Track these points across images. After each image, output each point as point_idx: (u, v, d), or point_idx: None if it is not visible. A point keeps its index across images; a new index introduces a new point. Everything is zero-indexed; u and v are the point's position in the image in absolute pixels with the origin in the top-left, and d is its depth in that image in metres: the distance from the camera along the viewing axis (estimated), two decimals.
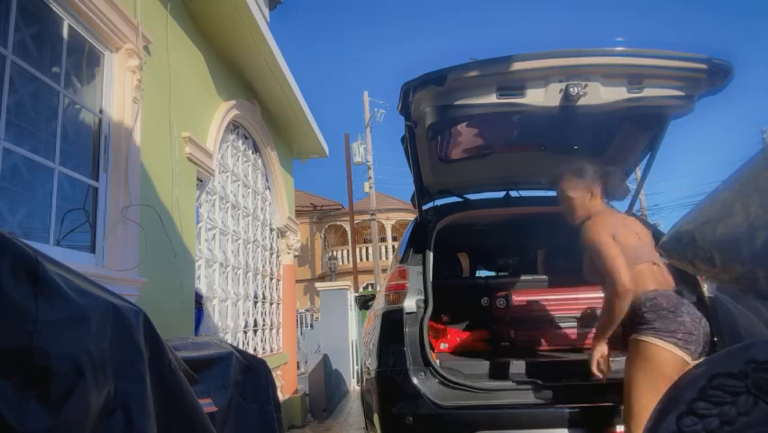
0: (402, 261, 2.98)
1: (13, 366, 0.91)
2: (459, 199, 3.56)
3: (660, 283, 2.15)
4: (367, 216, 18.73)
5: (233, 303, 4.44)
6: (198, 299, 3.61)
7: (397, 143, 3.16)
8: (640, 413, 1.94)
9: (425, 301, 2.72)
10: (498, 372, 2.67)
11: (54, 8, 2.37)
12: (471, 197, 3.57)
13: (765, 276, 0.91)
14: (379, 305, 3.03)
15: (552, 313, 3.13)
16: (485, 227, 4.05)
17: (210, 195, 4.09)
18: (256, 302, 5.10)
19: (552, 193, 3.76)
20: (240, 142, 4.86)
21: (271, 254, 5.71)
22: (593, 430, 2.33)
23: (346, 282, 9.49)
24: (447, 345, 3.55)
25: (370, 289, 18.25)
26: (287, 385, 5.63)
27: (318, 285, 8.95)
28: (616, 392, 2.22)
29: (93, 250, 2.54)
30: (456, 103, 2.53)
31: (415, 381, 2.53)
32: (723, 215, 0.96)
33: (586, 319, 3.09)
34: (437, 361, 2.64)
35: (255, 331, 4.97)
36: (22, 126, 2.30)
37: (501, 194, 3.61)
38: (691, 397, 0.76)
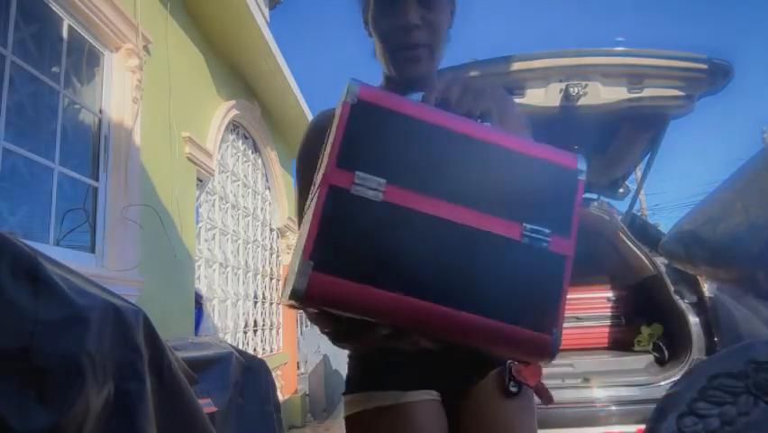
0: None
1: (13, 366, 0.91)
2: None
3: None
4: None
5: (233, 303, 4.43)
6: (198, 299, 3.61)
7: None
8: None
9: None
10: None
11: (54, 8, 2.36)
12: None
13: (765, 276, 0.91)
14: None
15: None
16: None
17: (210, 195, 4.09)
18: (256, 302, 5.09)
19: None
20: (240, 142, 4.86)
21: (271, 254, 5.71)
22: (590, 429, 2.33)
23: None
24: None
25: None
26: (287, 385, 5.62)
27: None
28: (611, 393, 2.22)
29: (93, 250, 2.54)
30: None
31: None
32: (723, 215, 0.96)
33: (586, 319, 3.09)
34: None
35: (255, 331, 4.97)
36: (23, 126, 2.30)
37: None
38: (692, 397, 0.76)
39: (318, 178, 0.69)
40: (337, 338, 0.74)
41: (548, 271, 0.68)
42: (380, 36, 0.95)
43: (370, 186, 0.64)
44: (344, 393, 1.02)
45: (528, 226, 0.67)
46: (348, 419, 0.99)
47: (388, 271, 0.62)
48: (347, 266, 0.61)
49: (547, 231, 0.68)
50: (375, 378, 0.96)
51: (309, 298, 0.60)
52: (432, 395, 0.94)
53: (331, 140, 0.65)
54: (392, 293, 0.62)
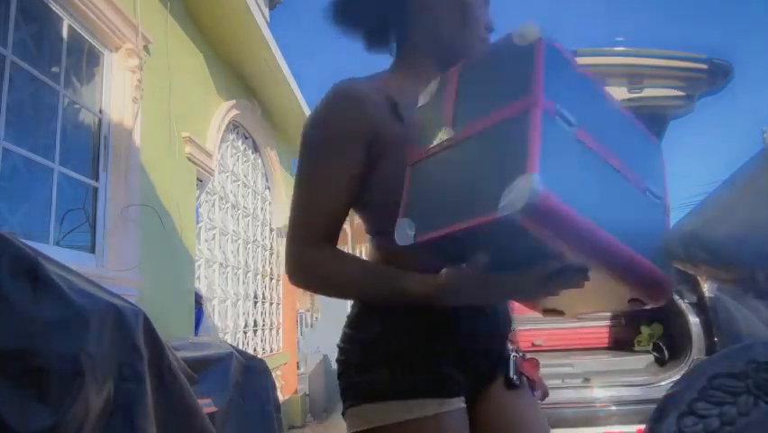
0: None
1: (13, 366, 0.91)
2: None
3: None
4: None
5: (233, 303, 4.43)
6: (198, 299, 3.61)
7: None
8: None
9: None
10: None
11: (54, 8, 2.36)
12: None
13: (765, 276, 0.90)
14: None
15: None
16: None
17: (210, 195, 4.09)
18: (256, 302, 5.09)
19: None
20: (240, 142, 4.86)
21: (271, 254, 5.71)
22: (590, 429, 2.33)
23: None
24: None
25: None
26: (287, 385, 5.62)
27: None
28: (611, 393, 2.22)
29: (93, 250, 2.54)
30: None
31: None
32: (723, 215, 0.96)
33: (586, 319, 3.09)
34: None
35: (255, 331, 4.97)
36: (23, 126, 2.30)
37: None
38: (692, 397, 0.76)
39: (504, 108, 0.68)
40: (518, 286, 0.72)
41: (663, 223, 0.82)
42: (471, 22, 0.91)
43: (569, 121, 0.66)
44: (363, 402, 0.83)
45: (650, 186, 0.79)
46: None
47: (584, 202, 0.63)
48: (562, 189, 0.60)
49: (659, 191, 0.81)
50: (409, 383, 0.82)
51: (538, 211, 0.58)
52: (463, 402, 0.85)
53: (535, 70, 0.66)
54: (594, 224, 0.63)
